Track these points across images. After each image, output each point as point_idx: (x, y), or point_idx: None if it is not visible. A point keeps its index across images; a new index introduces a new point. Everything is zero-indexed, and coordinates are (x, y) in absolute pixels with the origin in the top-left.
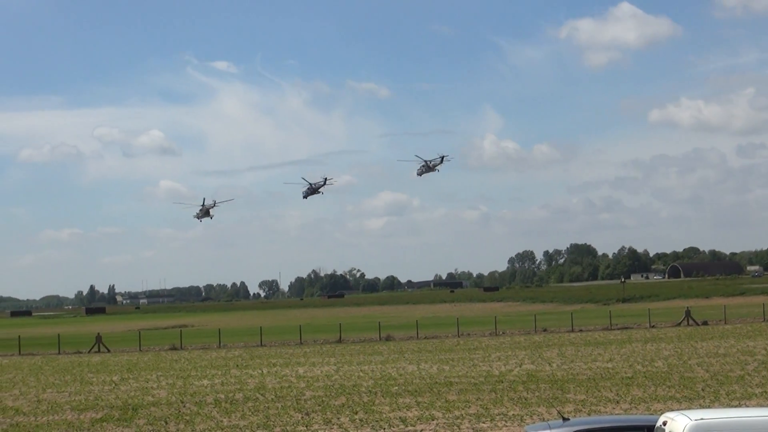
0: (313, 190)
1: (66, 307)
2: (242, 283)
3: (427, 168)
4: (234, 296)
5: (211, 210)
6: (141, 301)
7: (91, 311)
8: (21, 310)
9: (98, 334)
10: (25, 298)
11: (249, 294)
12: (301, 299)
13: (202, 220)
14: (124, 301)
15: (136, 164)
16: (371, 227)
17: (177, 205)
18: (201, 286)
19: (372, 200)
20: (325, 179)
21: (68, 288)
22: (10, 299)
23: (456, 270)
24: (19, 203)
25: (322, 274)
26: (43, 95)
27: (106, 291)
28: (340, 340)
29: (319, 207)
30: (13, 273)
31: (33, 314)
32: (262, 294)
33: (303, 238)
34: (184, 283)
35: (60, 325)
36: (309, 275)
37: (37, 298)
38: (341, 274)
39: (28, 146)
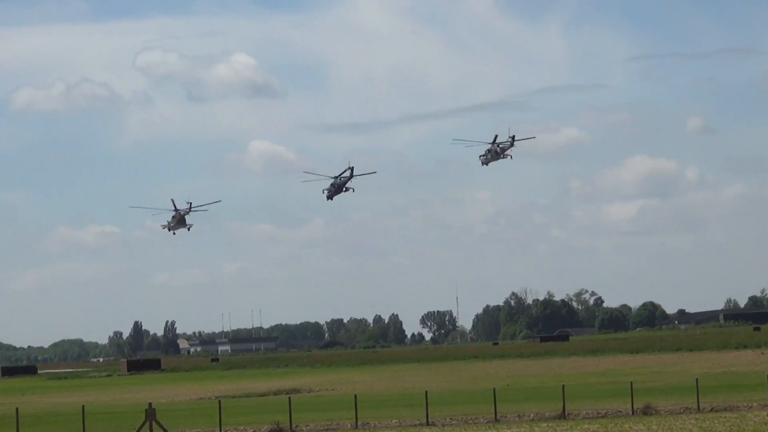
0: (338, 187)
1: (94, 360)
2: (393, 317)
3: (495, 154)
4: (379, 339)
5: (187, 217)
6: (221, 348)
7: (136, 366)
8: (19, 366)
9: (149, 405)
10: (25, 345)
11: (404, 335)
12: (495, 344)
13: (175, 232)
14: (192, 349)
15: (210, 114)
16: (613, 218)
17: (280, 180)
18: (322, 322)
19: (615, 171)
20: (351, 169)
21: (97, 327)
22: (1, 347)
23: (765, 292)
24: (14, 185)
25: (529, 301)
26: (54, 1)
27: (160, 331)
28: (563, 415)
29: (519, 182)
30: (7, 302)
31: (39, 371)
32: (428, 334)
33: (493, 239)
34: (292, 317)
35: (85, 391)
36: (507, 301)
37: (46, 345)
38: (562, 301)
39: (27, 84)
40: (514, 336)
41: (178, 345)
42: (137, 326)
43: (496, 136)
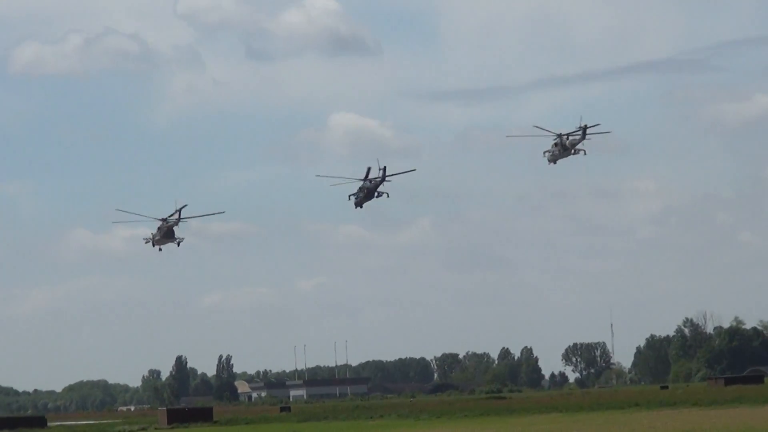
0: (368, 192)
1: (123, 409)
2: (526, 352)
3: (563, 149)
4: (507, 381)
5: (175, 228)
6: (293, 393)
7: (179, 417)
8: (23, 416)
9: None
10: (30, 389)
11: (541, 375)
12: (664, 387)
13: (161, 248)
14: (255, 394)
15: (277, 77)
16: None
17: (371, 165)
18: (430, 358)
19: None
20: (383, 169)
21: (126, 365)
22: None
23: None
24: (14, 174)
25: (709, 330)
26: None
27: (211, 370)
28: None
29: (696, 167)
30: (7, 332)
31: (50, 424)
32: (572, 374)
33: (659, 246)
34: (389, 352)
35: None
36: (680, 330)
37: (59, 389)
38: (755, 329)
39: (32, 38)
40: (689, 377)
41: (235, 388)
42: (180, 363)
43: (564, 136)
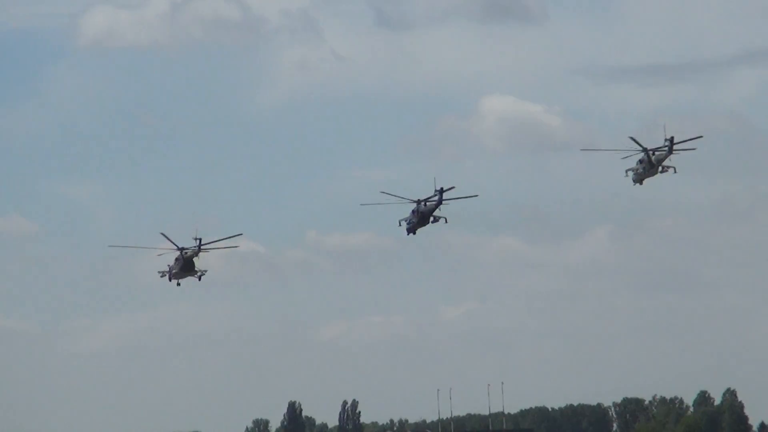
0: (423, 216)
1: None
2: (729, 396)
3: (650, 166)
4: None
5: (195, 259)
6: None
7: None
8: None
9: None
10: None
11: (748, 426)
12: None
13: (180, 282)
14: None
15: (414, 49)
16: None
17: (533, 160)
18: (607, 404)
19: None
20: (440, 191)
21: (224, 413)
22: None
23: None
24: (82, 174)
25: None
26: None
27: (332, 420)
28: None
29: None
30: (67, 369)
31: None
32: None
33: None
34: (556, 396)
35: None
36: None
37: None
38: None
39: (107, 2)
40: None
41: None
42: (294, 411)
43: (652, 151)
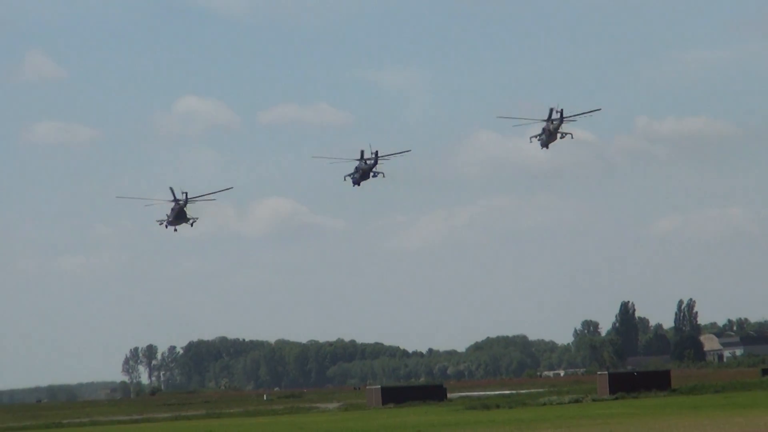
0: (363, 173)
1: (548, 374)
2: None
3: (549, 134)
4: None
5: (186, 209)
6: None
7: (625, 383)
8: (416, 385)
9: None
10: (422, 349)
11: None
12: None
13: (177, 228)
14: (728, 353)
15: None
16: None
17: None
18: None
19: None
20: (376, 153)
21: (552, 315)
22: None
23: None
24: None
25: None
26: None
27: (667, 321)
28: None
29: None
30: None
31: (450, 395)
32: None
33: None
34: None
35: None
36: None
37: (461, 349)
38: None
39: None
40: None
41: (701, 345)
42: (626, 312)
43: (552, 110)
